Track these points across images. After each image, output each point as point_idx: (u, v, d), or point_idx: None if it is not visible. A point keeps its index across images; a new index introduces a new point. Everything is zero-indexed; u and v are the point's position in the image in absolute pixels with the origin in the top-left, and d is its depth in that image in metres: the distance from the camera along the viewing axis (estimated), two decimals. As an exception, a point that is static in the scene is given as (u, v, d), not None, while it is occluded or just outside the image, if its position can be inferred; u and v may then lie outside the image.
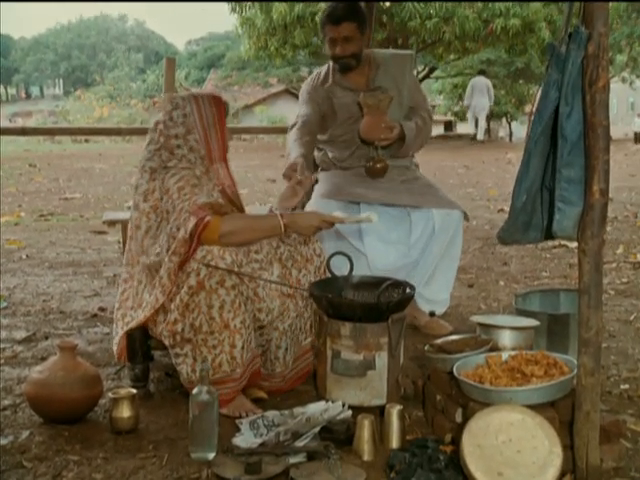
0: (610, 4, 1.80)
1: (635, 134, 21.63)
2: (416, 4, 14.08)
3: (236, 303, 2.31)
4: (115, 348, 2.56)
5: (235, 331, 2.32)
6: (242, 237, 2.38)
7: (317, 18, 14.03)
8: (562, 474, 1.85)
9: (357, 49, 3.16)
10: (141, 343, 2.49)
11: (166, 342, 2.38)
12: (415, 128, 3.22)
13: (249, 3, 14.87)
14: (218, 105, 2.51)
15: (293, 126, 3.25)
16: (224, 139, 2.51)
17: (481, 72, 17.86)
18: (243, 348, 2.34)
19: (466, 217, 3.16)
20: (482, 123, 17.54)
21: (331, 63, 3.29)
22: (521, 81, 24.05)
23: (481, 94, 16.72)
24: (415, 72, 3.43)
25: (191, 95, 2.52)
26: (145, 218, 2.46)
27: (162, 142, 2.45)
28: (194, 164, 2.46)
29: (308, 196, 3.30)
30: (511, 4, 14.42)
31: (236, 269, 2.31)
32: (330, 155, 3.33)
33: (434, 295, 3.24)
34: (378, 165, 3.15)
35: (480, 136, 17.61)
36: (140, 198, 2.47)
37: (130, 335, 2.47)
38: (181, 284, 2.32)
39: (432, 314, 3.16)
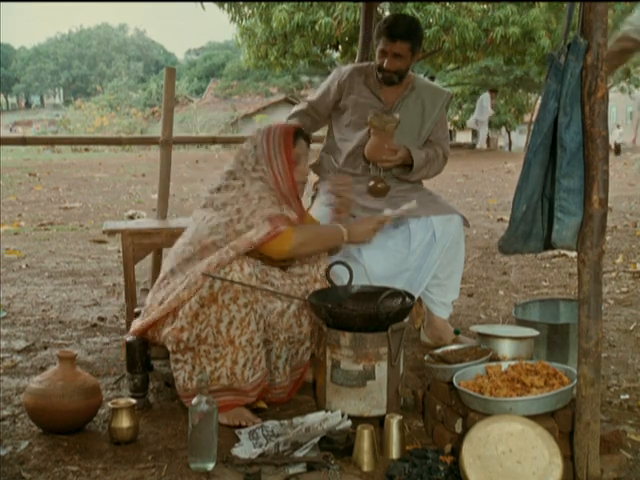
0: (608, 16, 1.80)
1: (615, 145, 21.58)
2: (415, 13, 14.07)
3: (246, 321, 2.30)
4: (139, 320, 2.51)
5: (239, 348, 2.31)
6: (311, 247, 2.47)
7: (317, 27, 14.07)
8: (562, 485, 1.85)
9: (404, 67, 3.18)
10: (141, 353, 2.49)
11: (168, 347, 2.37)
12: (424, 158, 3.22)
13: (249, 13, 14.90)
14: (286, 135, 2.49)
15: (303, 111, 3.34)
16: (291, 170, 2.47)
17: (492, 91, 19.73)
18: (245, 365, 2.33)
19: (466, 223, 3.16)
20: (482, 133, 19.59)
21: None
22: (520, 90, 24.10)
23: (480, 108, 18.74)
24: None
25: (266, 127, 2.54)
26: (215, 212, 2.42)
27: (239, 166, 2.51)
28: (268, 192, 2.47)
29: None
30: (510, 12, 14.43)
31: (254, 281, 2.29)
32: (332, 160, 3.33)
33: (440, 298, 3.23)
34: (379, 185, 3.19)
35: (478, 144, 19.81)
36: (212, 196, 2.48)
37: (130, 345, 2.47)
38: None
39: (457, 332, 3.26)
